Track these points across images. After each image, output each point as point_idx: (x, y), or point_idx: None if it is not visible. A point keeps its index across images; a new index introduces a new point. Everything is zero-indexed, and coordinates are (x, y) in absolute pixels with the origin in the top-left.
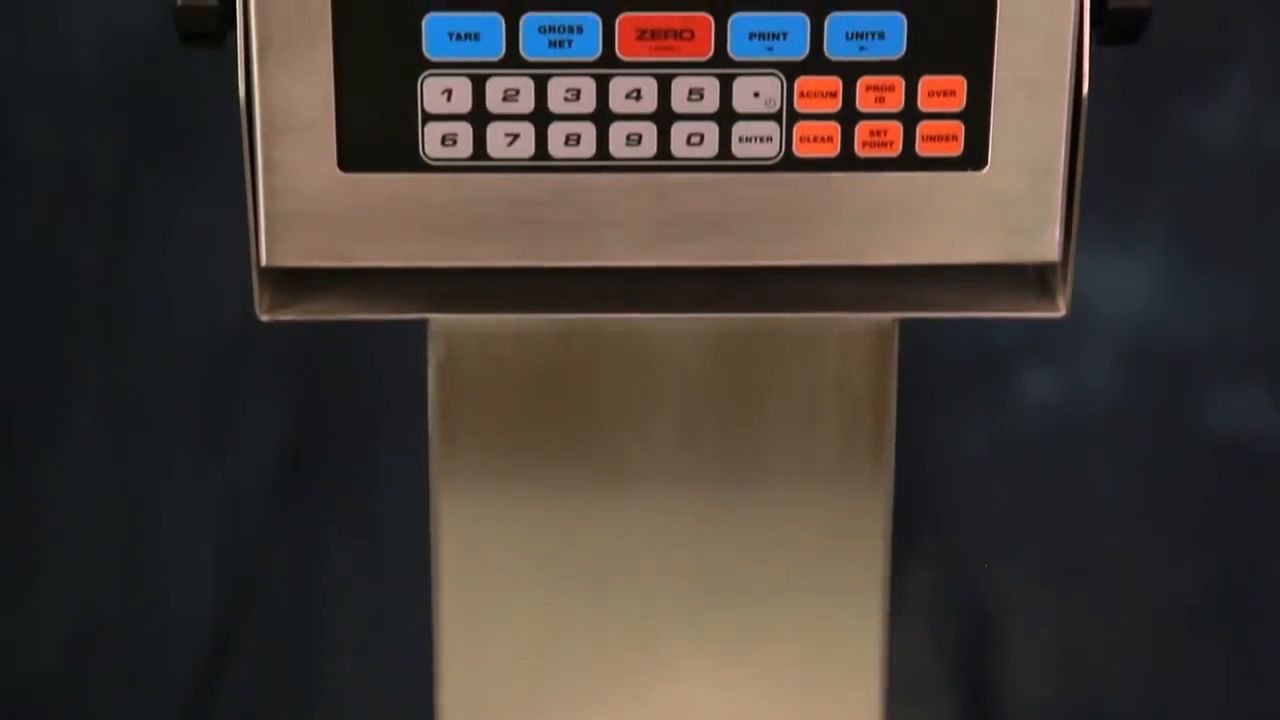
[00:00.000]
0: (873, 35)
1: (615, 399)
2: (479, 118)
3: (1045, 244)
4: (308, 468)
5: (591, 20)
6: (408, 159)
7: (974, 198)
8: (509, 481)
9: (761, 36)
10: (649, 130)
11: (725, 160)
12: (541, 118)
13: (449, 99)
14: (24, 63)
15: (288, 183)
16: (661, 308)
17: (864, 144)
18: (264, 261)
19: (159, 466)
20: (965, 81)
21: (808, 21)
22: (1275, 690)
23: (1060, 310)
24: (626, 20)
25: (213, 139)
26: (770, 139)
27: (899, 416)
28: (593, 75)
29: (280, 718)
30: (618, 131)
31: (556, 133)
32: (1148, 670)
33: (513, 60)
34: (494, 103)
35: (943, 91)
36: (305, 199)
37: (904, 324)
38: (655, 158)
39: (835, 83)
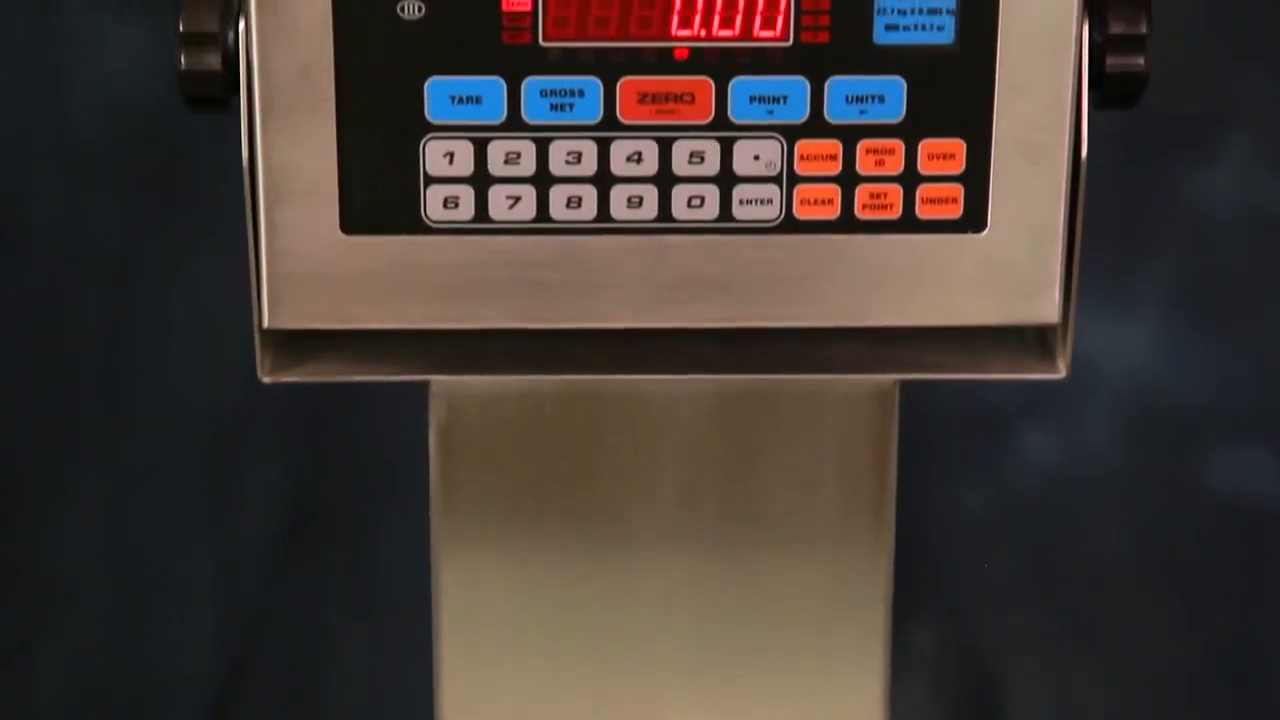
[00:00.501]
0: (872, 99)
1: (616, 460)
2: (481, 180)
3: (1045, 306)
4: (309, 531)
5: (593, 84)
6: (410, 221)
7: (974, 260)
8: (510, 543)
9: (762, 100)
10: (650, 193)
11: (726, 222)
12: (543, 180)
13: (451, 162)
14: (27, 126)
15: (290, 245)
16: (662, 369)
17: (864, 206)
18: (266, 324)
19: (160, 532)
20: (965, 145)
21: (808, 85)
22: None
23: (1060, 372)
24: (627, 84)
25: (214, 202)
26: (771, 201)
27: (899, 475)
28: (594, 138)
29: None
30: (619, 194)
31: (558, 195)
32: None
33: (514, 124)
34: (496, 165)
35: (942, 155)
36: (307, 261)
37: (905, 384)
38: (656, 220)
39: (835, 146)
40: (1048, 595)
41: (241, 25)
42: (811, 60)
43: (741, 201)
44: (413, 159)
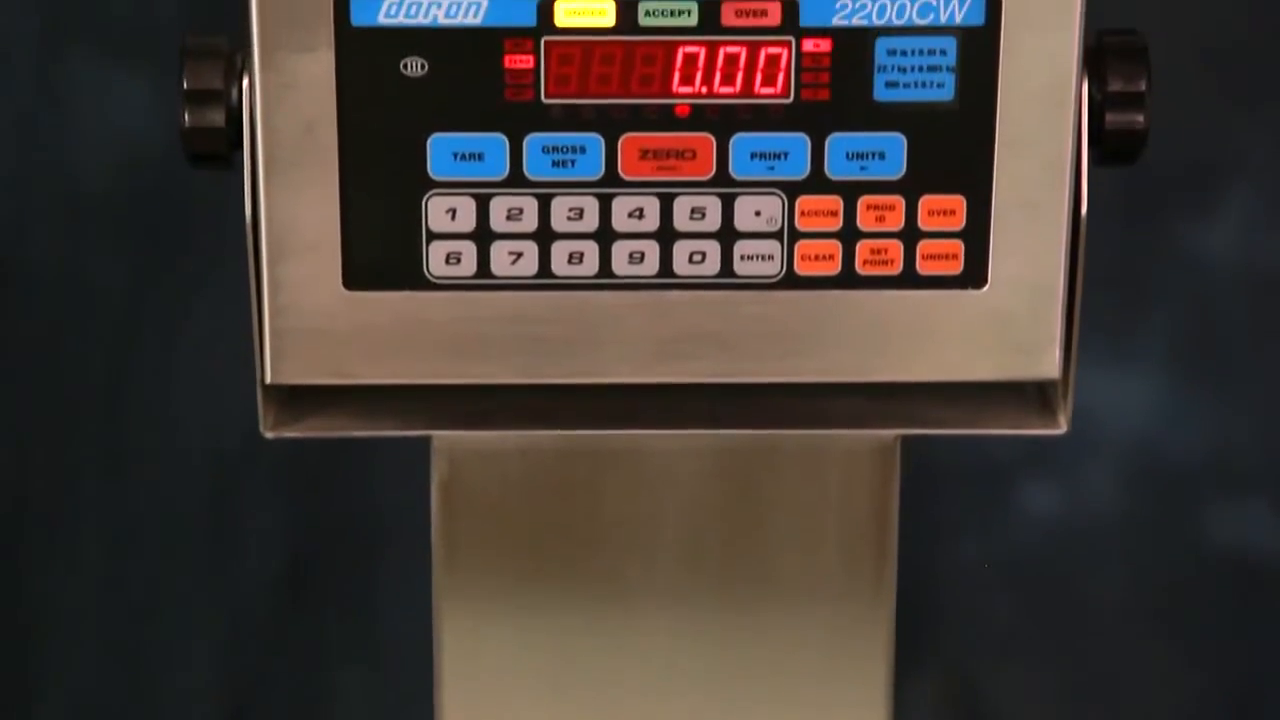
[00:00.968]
0: (873, 155)
1: (618, 515)
2: (483, 236)
3: (1046, 362)
4: (309, 582)
5: (594, 140)
6: (412, 277)
7: (974, 316)
8: (512, 598)
9: (763, 156)
10: (651, 248)
11: (727, 278)
12: (545, 236)
13: (453, 218)
14: (32, 177)
15: (293, 301)
16: (664, 424)
17: (865, 262)
18: (269, 379)
19: (160, 582)
20: (965, 201)
21: (808, 142)
22: None
23: (1061, 428)
24: (629, 140)
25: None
26: (772, 257)
27: (901, 529)
28: (595, 194)
29: None
30: (620, 250)
31: (560, 251)
32: None
33: (516, 180)
34: (498, 221)
35: (943, 211)
36: (310, 317)
37: (906, 438)
38: (657, 275)
39: (836, 202)
40: (1049, 648)
41: (245, 82)
42: (812, 117)
43: (743, 257)
44: (415, 215)
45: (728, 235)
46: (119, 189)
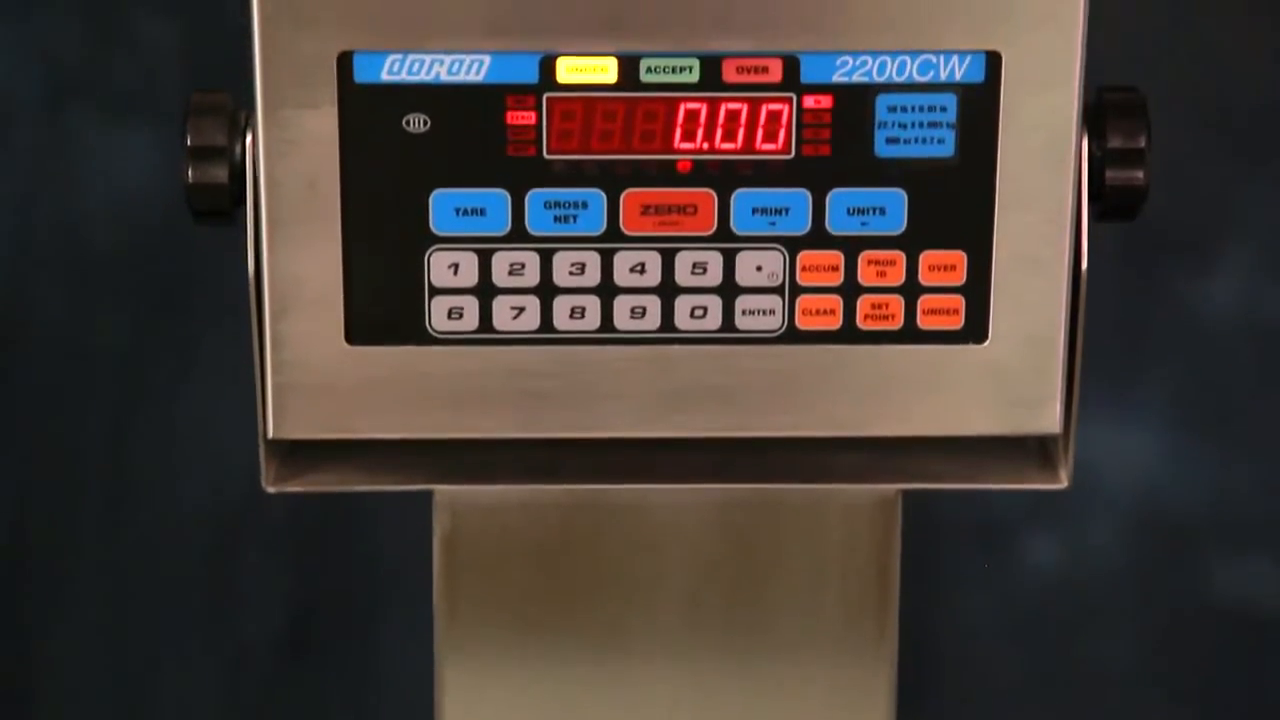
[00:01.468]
0: (874, 211)
1: (619, 569)
2: (485, 291)
3: (1047, 417)
4: (311, 636)
5: (596, 196)
6: (414, 332)
7: (975, 371)
8: (514, 652)
9: (764, 212)
10: (653, 303)
11: (728, 333)
12: (547, 291)
13: (455, 273)
14: (35, 234)
15: (295, 356)
16: (665, 478)
17: (866, 317)
18: (271, 434)
19: (161, 637)
20: (965, 256)
21: (809, 197)
22: None
23: (1062, 482)
24: (630, 196)
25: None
26: (773, 312)
27: (902, 582)
28: (597, 250)
29: None
30: (622, 304)
31: (561, 306)
32: None
33: (518, 235)
34: (500, 276)
35: (943, 266)
36: (312, 372)
37: (907, 491)
38: (659, 330)
39: (837, 257)
40: (1051, 703)
41: (248, 139)
42: (813, 173)
43: (744, 312)
44: (417, 270)
45: (729, 290)
46: (122, 245)
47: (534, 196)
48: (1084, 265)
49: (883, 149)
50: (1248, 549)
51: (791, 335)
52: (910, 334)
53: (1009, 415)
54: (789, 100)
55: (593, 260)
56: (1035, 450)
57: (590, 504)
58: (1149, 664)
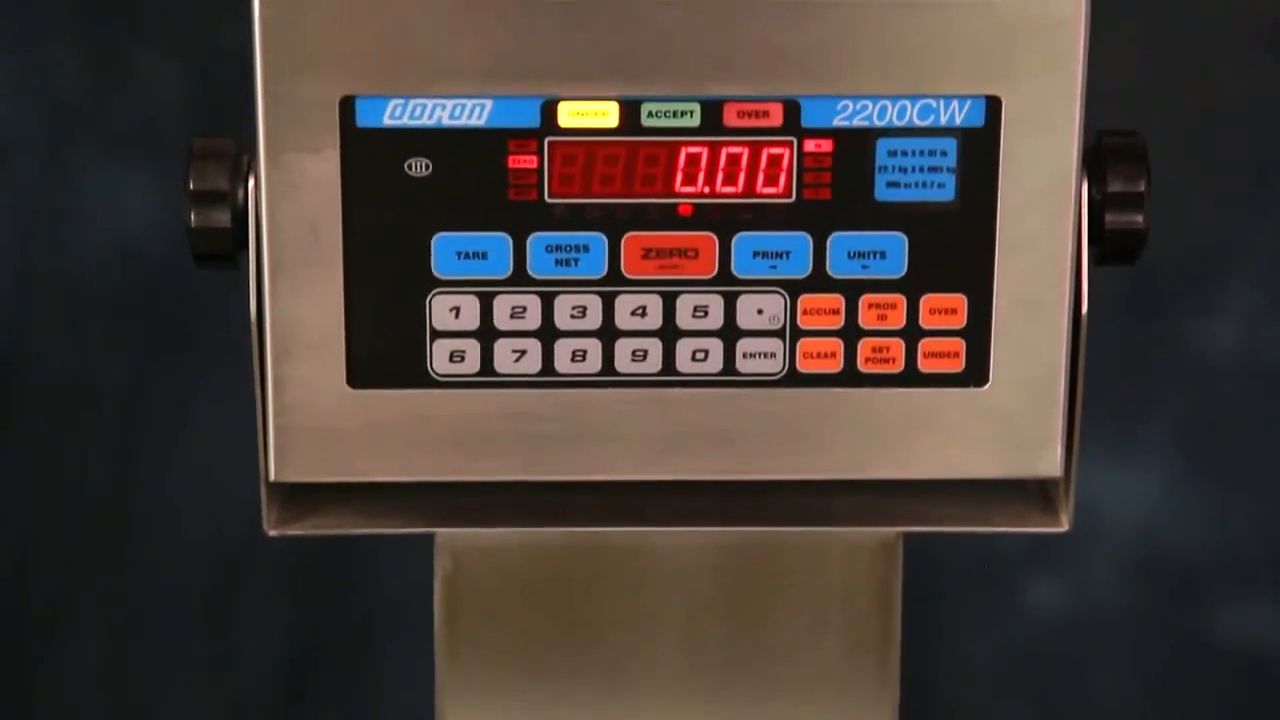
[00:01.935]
0: (874, 254)
1: (621, 612)
2: (486, 334)
3: (1047, 460)
4: (312, 681)
5: (597, 240)
6: (416, 375)
7: (976, 414)
8: (515, 694)
9: (765, 255)
10: (654, 346)
11: (729, 376)
12: (548, 334)
13: (457, 316)
14: (35, 276)
15: (297, 399)
16: (666, 521)
17: (866, 360)
18: (273, 477)
19: (161, 677)
20: (966, 300)
21: (810, 241)
22: None
23: (1063, 525)
24: (632, 240)
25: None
26: (774, 355)
27: (904, 624)
28: (599, 293)
29: None
30: (623, 348)
31: (563, 349)
32: None
33: (520, 278)
34: (501, 320)
35: (944, 310)
36: (314, 415)
37: (908, 533)
38: (660, 373)
39: (838, 300)
40: None
41: (250, 183)
42: (814, 216)
43: (745, 355)
44: (419, 313)
45: (730, 333)
46: (123, 284)
47: (535, 240)
48: (1084, 309)
49: (883, 193)
50: (1249, 590)
51: (792, 378)
52: (911, 377)
53: (1010, 458)
54: (790, 144)
55: (594, 303)
56: (1036, 492)
57: (591, 546)
58: (1150, 705)
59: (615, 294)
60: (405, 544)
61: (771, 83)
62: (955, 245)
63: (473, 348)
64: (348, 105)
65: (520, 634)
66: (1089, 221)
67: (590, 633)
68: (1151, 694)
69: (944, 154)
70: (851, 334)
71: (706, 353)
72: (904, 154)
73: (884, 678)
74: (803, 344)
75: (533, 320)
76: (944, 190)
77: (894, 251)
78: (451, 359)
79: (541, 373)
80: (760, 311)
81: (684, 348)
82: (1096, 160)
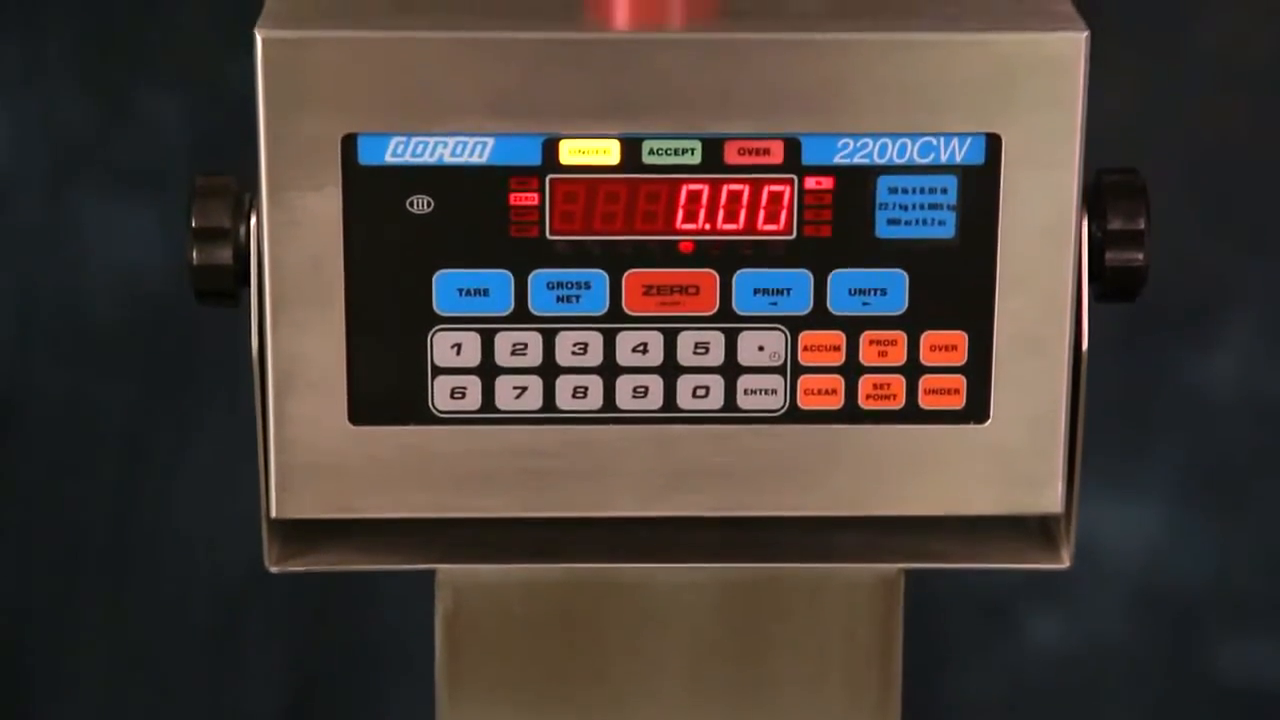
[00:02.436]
0: (875, 291)
1: (623, 647)
2: (488, 371)
3: (1048, 497)
4: (313, 714)
5: (599, 277)
6: (417, 412)
7: (977, 450)
8: None
9: (765, 292)
10: (655, 383)
11: (730, 412)
12: (549, 371)
13: (458, 353)
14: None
15: (299, 436)
16: (667, 558)
17: (867, 397)
18: (274, 513)
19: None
20: (967, 337)
21: (811, 278)
22: None
23: (1064, 562)
24: (633, 277)
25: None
26: (775, 391)
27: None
28: (600, 330)
29: None
30: (624, 384)
31: (564, 385)
32: None
33: (521, 315)
34: (503, 356)
35: (944, 346)
36: (316, 452)
37: (909, 570)
38: (661, 410)
39: (839, 337)
40: None
41: (253, 220)
42: (815, 254)
43: (746, 391)
44: (421, 350)
45: (731, 370)
46: (124, 321)
47: (537, 277)
48: (1084, 346)
49: (884, 230)
50: (1251, 627)
51: (793, 415)
52: (912, 414)
53: (1010, 495)
54: (790, 182)
55: (595, 340)
56: (1037, 529)
57: (592, 583)
58: None
59: (616, 331)
60: (407, 578)
61: (772, 121)
62: (956, 282)
63: (474, 384)
64: (350, 143)
65: (521, 670)
66: (1089, 259)
67: (591, 669)
68: None
69: (944, 191)
70: (852, 371)
71: (707, 389)
72: (904, 191)
73: (885, 713)
74: (803, 380)
75: (534, 357)
76: (944, 227)
77: (894, 288)
78: (453, 395)
79: (543, 409)
80: (761, 348)
81: (685, 384)
82: (1096, 198)
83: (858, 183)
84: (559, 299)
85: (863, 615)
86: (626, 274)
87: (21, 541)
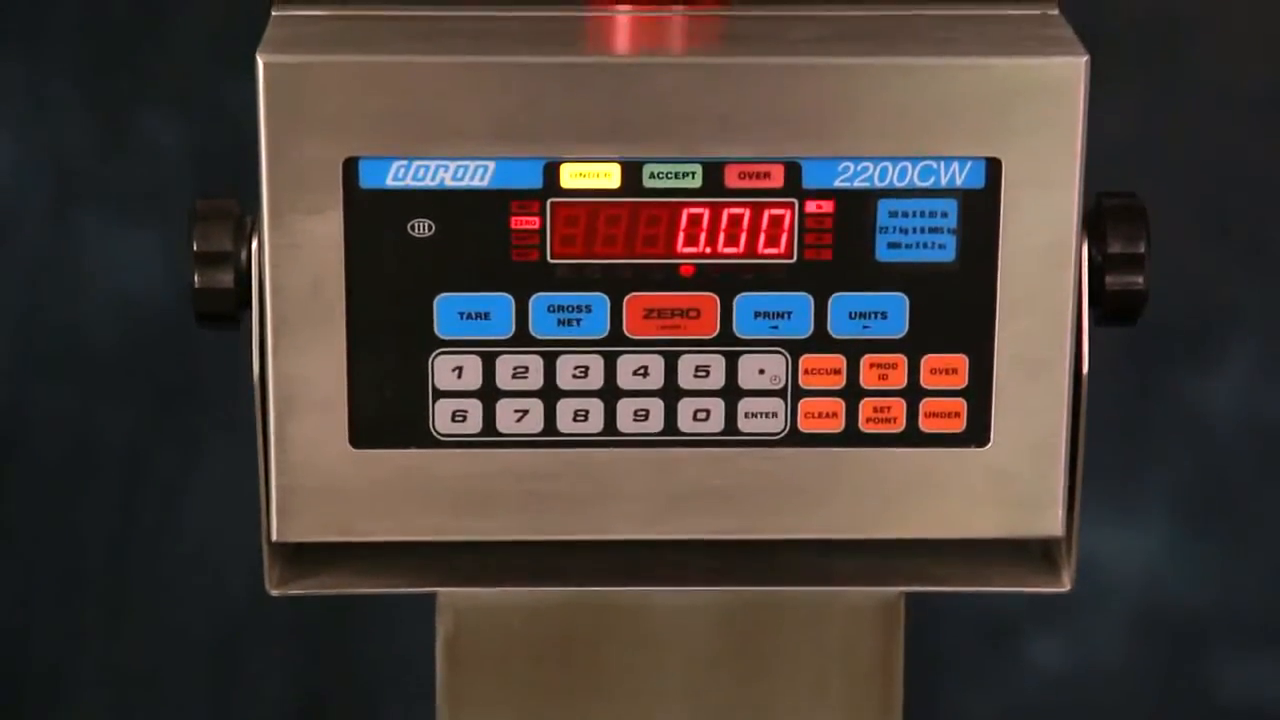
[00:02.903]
0: (875, 315)
1: (623, 670)
2: (489, 394)
3: (1049, 520)
4: None
5: (600, 300)
6: (418, 435)
7: (977, 474)
8: None
9: (766, 316)
10: (656, 406)
11: (731, 435)
12: (550, 394)
13: (459, 376)
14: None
15: (300, 459)
16: (668, 581)
17: (868, 420)
18: (275, 537)
19: None
20: (967, 360)
21: (811, 301)
22: None
23: (1065, 585)
24: (633, 300)
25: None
26: (775, 415)
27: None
28: (601, 353)
29: None
30: (625, 407)
31: (565, 409)
32: None
33: (522, 339)
34: (504, 380)
35: (945, 370)
36: (317, 475)
37: (910, 593)
38: (662, 433)
39: (839, 360)
40: None
41: (254, 243)
42: (815, 277)
43: (747, 415)
44: (422, 374)
45: (732, 393)
46: (125, 345)
47: (538, 300)
48: (1085, 369)
49: (884, 253)
50: (1254, 648)
51: (794, 438)
52: (912, 437)
53: (1011, 518)
54: (791, 205)
55: (596, 364)
56: (1038, 552)
57: (593, 605)
58: None
59: (617, 354)
60: (408, 600)
61: (773, 144)
62: (956, 306)
63: (475, 408)
64: (351, 167)
65: (522, 693)
66: (1089, 282)
67: (592, 692)
68: None
69: (945, 215)
70: (853, 394)
71: (708, 412)
72: (905, 215)
73: None
74: (804, 404)
75: (535, 380)
76: (945, 251)
77: (895, 312)
78: (454, 419)
79: (544, 433)
80: (762, 371)
81: (685, 407)
82: (1097, 221)
83: (858, 206)
84: (560, 322)
85: (863, 638)
86: (627, 297)
87: (24, 564)
